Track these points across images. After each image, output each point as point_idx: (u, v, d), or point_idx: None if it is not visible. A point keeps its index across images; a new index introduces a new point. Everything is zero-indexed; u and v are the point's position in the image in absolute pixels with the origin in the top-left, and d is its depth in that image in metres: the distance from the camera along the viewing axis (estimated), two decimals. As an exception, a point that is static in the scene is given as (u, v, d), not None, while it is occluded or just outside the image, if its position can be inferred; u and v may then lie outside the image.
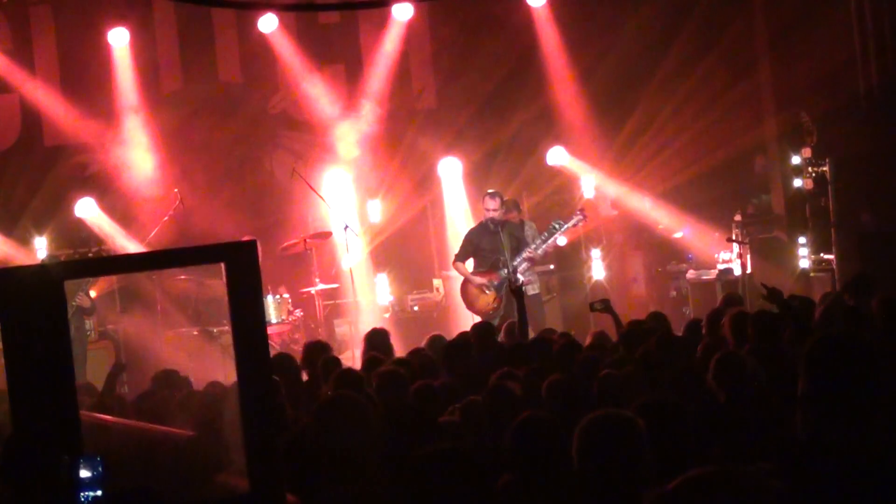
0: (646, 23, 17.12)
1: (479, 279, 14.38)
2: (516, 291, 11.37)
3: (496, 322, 13.87)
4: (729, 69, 16.97)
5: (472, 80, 17.68)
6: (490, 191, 14.79)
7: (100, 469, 4.70)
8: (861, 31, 15.52)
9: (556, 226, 14.49)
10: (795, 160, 15.57)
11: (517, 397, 7.20)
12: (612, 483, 4.85)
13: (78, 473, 4.67)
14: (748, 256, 15.59)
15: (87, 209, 16.74)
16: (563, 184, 17.46)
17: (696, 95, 16.84)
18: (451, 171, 17.50)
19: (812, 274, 15.27)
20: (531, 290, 14.52)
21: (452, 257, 14.97)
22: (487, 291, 14.36)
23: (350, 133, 17.49)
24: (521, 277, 14.26)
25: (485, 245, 14.44)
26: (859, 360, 4.32)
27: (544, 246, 14.52)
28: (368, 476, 5.52)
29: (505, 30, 17.60)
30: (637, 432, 4.94)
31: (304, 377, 9.79)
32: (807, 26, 15.79)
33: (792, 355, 8.11)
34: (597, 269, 16.92)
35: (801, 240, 15.66)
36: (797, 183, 15.51)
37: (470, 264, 14.66)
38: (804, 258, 15.52)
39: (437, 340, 10.86)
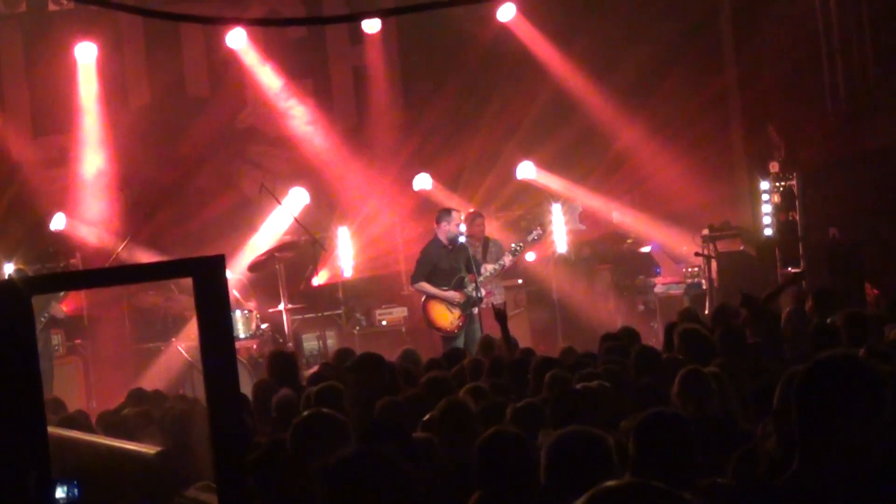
0: (610, 31, 17.16)
1: (448, 295, 14.21)
2: (499, 314, 11.14)
3: (462, 341, 13.86)
4: (695, 75, 17.08)
5: (441, 95, 17.68)
6: (464, 211, 14.83)
7: (76, 492, 4.69)
8: (826, 29, 15.63)
9: (517, 247, 14.56)
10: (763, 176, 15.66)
11: (471, 412, 7.08)
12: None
13: (53, 495, 4.65)
14: (715, 271, 15.65)
15: (60, 224, 16.70)
16: (532, 198, 17.48)
17: (662, 103, 16.94)
18: (421, 186, 17.48)
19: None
20: (496, 299, 14.44)
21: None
22: (453, 310, 14.24)
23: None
24: (483, 291, 14.23)
25: (443, 265, 14.28)
26: (857, 387, 4.20)
27: (506, 264, 14.55)
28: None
29: (474, 44, 17.59)
30: (605, 450, 4.92)
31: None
32: (772, 25, 16.00)
33: (758, 368, 8.13)
34: (560, 243, 16.86)
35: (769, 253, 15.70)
36: (765, 197, 15.55)
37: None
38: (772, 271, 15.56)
39: (409, 354, 10.89)
